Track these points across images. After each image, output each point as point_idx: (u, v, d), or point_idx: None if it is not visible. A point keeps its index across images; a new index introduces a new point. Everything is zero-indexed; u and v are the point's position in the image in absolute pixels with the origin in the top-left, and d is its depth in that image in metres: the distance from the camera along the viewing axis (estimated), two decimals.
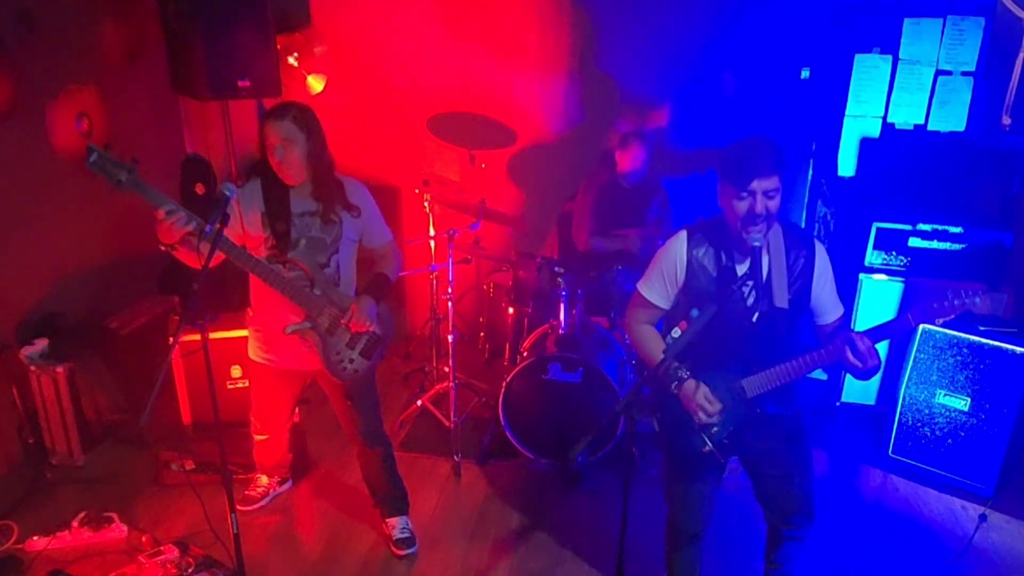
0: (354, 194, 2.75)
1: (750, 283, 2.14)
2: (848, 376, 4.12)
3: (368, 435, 2.99)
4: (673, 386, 2.22)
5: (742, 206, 2.07)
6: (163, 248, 2.45)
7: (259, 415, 3.15)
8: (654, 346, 2.31)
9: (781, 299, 2.15)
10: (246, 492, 3.33)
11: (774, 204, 2.08)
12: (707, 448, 2.26)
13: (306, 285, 2.67)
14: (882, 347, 4.02)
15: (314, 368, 2.83)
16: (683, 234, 2.25)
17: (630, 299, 2.42)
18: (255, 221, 2.64)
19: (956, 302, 1.97)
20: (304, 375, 3.01)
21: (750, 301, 2.16)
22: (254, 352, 2.92)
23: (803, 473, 2.38)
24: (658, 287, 2.30)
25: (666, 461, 2.48)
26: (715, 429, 2.25)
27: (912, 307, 2.04)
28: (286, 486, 3.48)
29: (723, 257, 2.20)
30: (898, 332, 2.08)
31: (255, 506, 3.32)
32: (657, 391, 2.30)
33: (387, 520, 3.13)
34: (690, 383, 2.20)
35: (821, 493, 3.47)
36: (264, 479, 3.40)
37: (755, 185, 2.05)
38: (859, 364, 2.07)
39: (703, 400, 2.19)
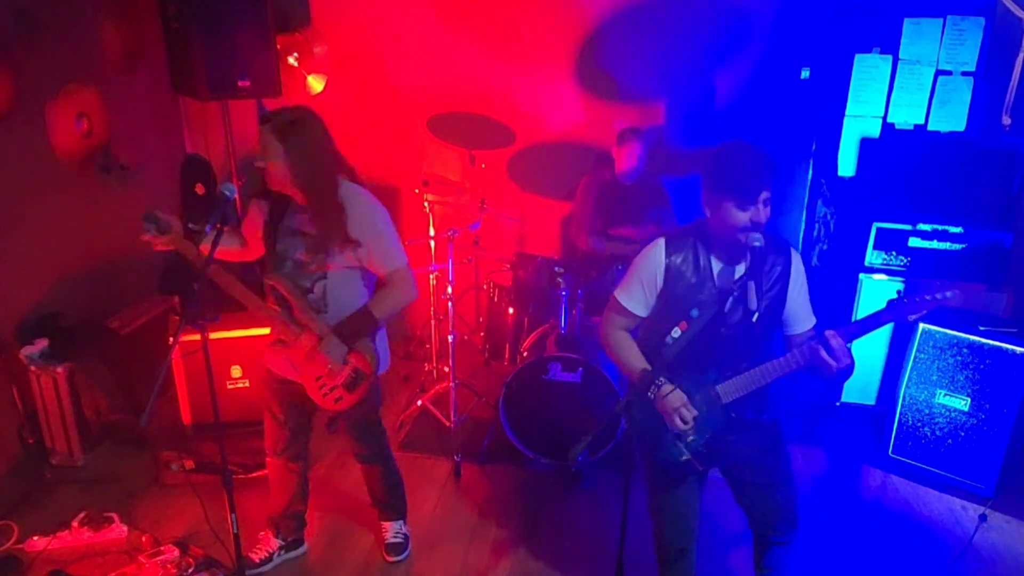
0: (356, 218, 2.48)
1: (751, 284, 2.15)
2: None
3: (363, 458, 2.92)
4: (651, 391, 2.18)
5: (744, 216, 2.08)
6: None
7: (266, 432, 2.84)
8: (629, 353, 2.29)
9: (754, 304, 2.15)
10: (246, 553, 2.88)
11: (769, 208, 2.11)
12: (685, 457, 2.23)
13: (283, 310, 2.55)
14: (882, 347, 4.09)
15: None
16: (661, 241, 2.25)
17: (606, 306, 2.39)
18: (257, 230, 2.61)
19: (928, 297, 1.97)
20: (298, 389, 2.72)
21: (727, 306, 2.15)
22: (264, 356, 2.77)
23: (784, 481, 2.37)
24: (636, 294, 2.28)
25: (647, 475, 2.44)
26: (691, 437, 2.23)
27: (887, 305, 2.03)
28: (300, 551, 3.03)
29: (702, 262, 2.20)
30: (871, 329, 2.06)
31: (254, 571, 2.90)
32: (629, 401, 2.24)
33: (382, 523, 3.11)
34: (667, 388, 2.17)
35: (821, 493, 3.51)
36: (272, 539, 2.98)
37: (761, 197, 2.08)
38: (833, 363, 2.05)
39: (681, 407, 2.16)
